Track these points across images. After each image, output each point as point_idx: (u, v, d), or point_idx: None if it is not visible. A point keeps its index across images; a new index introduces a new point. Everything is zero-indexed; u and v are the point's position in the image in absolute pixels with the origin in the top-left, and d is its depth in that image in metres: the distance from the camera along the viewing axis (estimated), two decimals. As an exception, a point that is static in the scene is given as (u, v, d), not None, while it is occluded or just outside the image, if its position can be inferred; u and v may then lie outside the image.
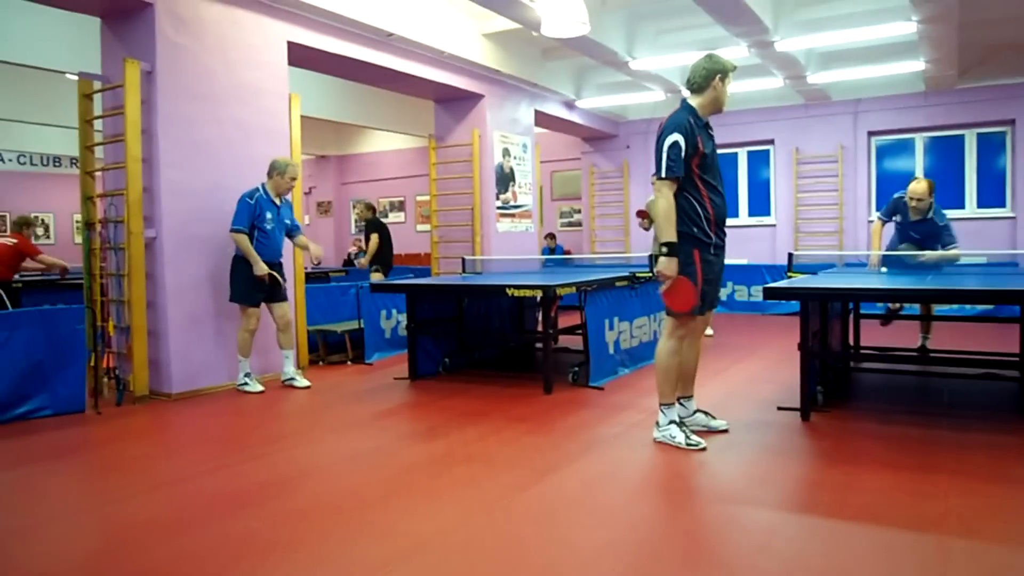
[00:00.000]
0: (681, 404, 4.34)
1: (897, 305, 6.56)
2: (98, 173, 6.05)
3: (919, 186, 6.04)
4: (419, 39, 7.81)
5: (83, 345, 5.35)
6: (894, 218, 6.40)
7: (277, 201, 5.91)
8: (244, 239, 5.69)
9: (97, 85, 5.92)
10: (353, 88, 10.43)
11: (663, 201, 3.88)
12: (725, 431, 4.35)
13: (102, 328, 5.78)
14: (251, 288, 5.79)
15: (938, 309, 8.24)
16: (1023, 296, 3.88)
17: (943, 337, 7.49)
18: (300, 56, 7.07)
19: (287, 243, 6.19)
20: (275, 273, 5.90)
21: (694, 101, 4.05)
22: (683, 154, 3.86)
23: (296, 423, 4.97)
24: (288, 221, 6.04)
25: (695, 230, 3.97)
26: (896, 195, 6.35)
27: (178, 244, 5.73)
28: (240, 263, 5.77)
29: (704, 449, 3.99)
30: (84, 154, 5.95)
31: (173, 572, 2.68)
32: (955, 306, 8.31)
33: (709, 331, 8.10)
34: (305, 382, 6.08)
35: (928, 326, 6.62)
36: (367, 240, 9.70)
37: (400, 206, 17.15)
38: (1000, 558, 2.63)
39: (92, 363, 5.59)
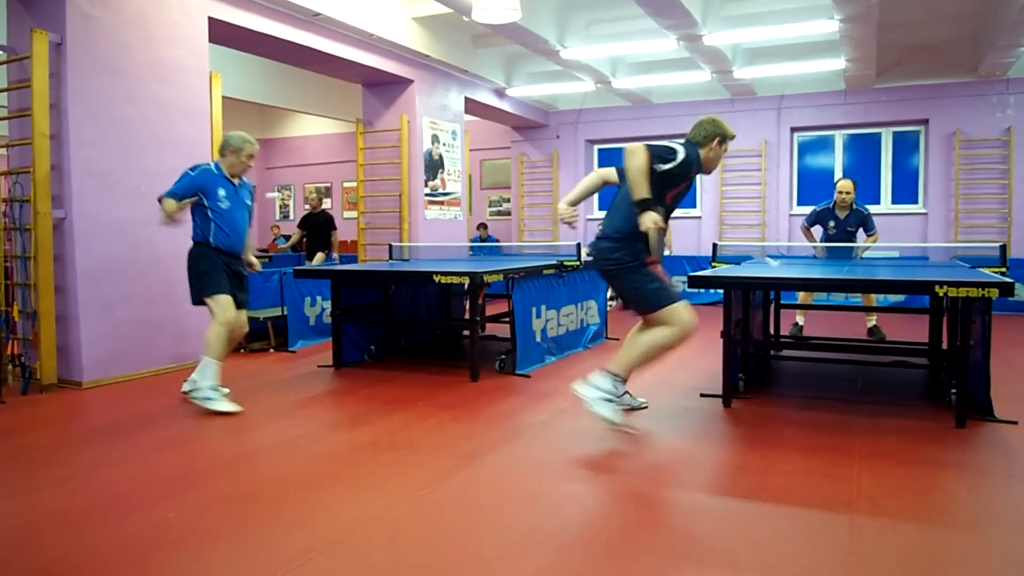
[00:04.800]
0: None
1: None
2: (2, 150, 5.74)
3: (847, 182, 7.12)
4: (347, 20, 7.64)
5: (-15, 330, 5.08)
6: (826, 226, 7.26)
7: (235, 181, 4.97)
8: (168, 201, 4.66)
9: (2, 56, 5.60)
10: (278, 69, 10.16)
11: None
12: (644, 407, 4.61)
13: (6, 313, 5.49)
14: (216, 272, 4.81)
15: (850, 300, 8.67)
16: (932, 287, 4.03)
17: (857, 327, 7.77)
18: (222, 33, 6.84)
19: None
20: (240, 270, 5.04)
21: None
22: (670, 170, 3.84)
23: (215, 412, 4.81)
24: (249, 203, 5.08)
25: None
26: (819, 207, 7.33)
27: (90, 225, 5.47)
28: (199, 250, 4.86)
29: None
30: (-13, 129, 5.64)
31: (82, 565, 2.56)
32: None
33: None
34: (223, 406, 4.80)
35: (871, 312, 7.47)
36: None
37: (326, 192, 16.85)
38: (906, 536, 2.73)
39: (-5, 349, 5.31)
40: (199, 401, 4.74)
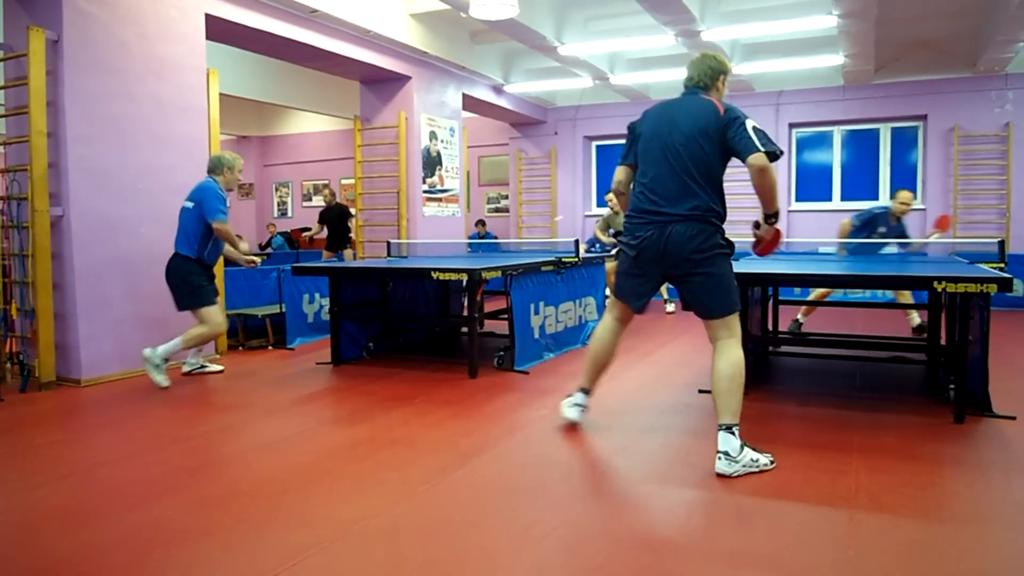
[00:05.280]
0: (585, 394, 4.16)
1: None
2: (0, 147, 5.73)
3: (910, 194, 7.29)
4: (344, 17, 7.63)
5: (-17, 328, 5.08)
6: (875, 230, 7.27)
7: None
8: (228, 227, 5.45)
9: (-2, 54, 5.60)
10: (276, 66, 10.15)
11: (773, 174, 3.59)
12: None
13: (4, 311, 5.48)
14: (209, 286, 5.49)
15: (852, 296, 8.67)
16: (931, 282, 4.03)
17: (856, 322, 7.78)
18: (219, 30, 6.82)
19: None
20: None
21: (712, 97, 3.72)
22: None
23: (213, 409, 4.81)
24: None
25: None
26: (876, 210, 7.38)
27: (87, 223, 5.46)
28: (191, 266, 5.40)
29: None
30: (-16, 127, 5.63)
31: (81, 562, 2.55)
32: (868, 293, 8.68)
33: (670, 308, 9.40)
34: (216, 367, 5.93)
35: (910, 310, 7.50)
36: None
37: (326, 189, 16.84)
38: (905, 531, 2.73)
39: (-7, 347, 5.31)
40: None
